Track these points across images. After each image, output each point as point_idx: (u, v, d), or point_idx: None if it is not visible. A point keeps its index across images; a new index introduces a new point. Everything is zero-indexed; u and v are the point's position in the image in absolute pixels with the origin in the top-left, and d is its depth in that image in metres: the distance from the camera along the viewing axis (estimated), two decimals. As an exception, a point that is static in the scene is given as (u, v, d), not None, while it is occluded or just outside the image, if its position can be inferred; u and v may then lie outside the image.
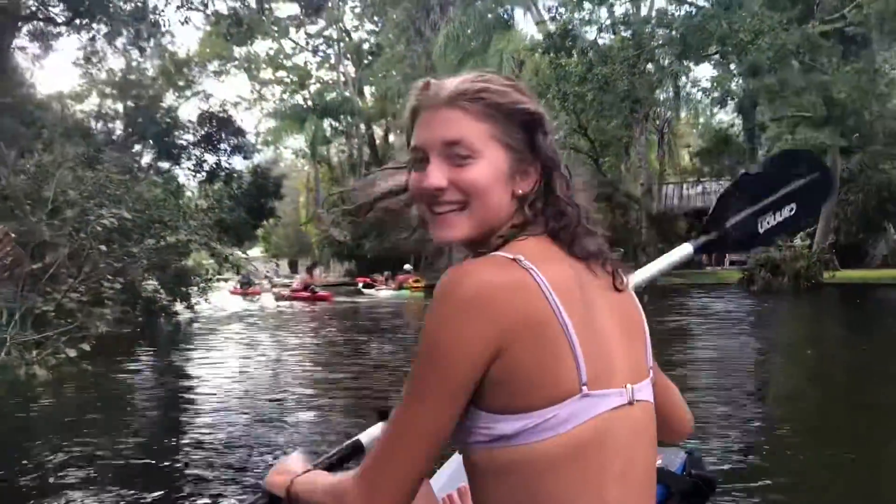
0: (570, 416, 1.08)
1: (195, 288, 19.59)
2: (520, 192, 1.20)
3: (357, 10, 52.47)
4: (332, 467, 1.47)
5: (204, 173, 42.72)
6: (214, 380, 10.57)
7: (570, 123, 30.39)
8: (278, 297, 30.25)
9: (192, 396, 9.56)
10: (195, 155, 43.03)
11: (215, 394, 9.48)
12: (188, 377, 11.37)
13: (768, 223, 1.79)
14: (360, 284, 36.17)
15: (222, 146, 43.69)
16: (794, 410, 7.81)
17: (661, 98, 38.02)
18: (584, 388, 1.08)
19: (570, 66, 25.36)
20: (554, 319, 1.07)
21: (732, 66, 20.55)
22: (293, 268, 64.75)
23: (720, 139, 36.76)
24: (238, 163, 45.27)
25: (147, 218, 15.58)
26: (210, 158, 43.33)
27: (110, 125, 41.14)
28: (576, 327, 1.09)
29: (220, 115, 44.29)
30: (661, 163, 42.63)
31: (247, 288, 33.01)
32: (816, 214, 2.01)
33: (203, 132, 43.29)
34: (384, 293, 30.85)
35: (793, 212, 1.79)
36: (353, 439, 1.54)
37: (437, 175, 1.18)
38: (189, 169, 42.88)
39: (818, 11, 25.07)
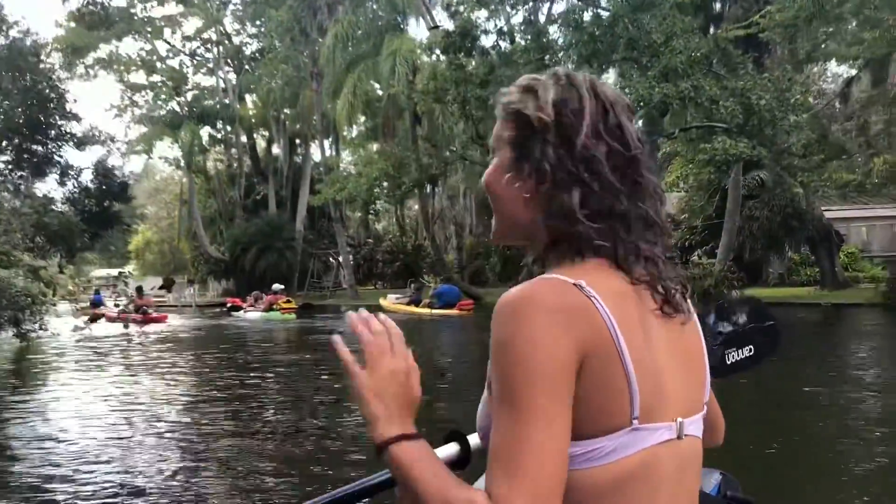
0: (617, 447, 1.05)
1: (33, 310, 16.24)
2: (525, 194, 1.16)
3: (239, 13, 49.27)
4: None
5: (26, 167, 35.85)
6: None
7: (467, 132, 28.58)
8: (111, 320, 27.08)
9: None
10: (13, 144, 36.12)
11: None
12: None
13: (733, 357, 1.80)
14: (228, 305, 33.22)
15: (51, 132, 36.44)
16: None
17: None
18: (635, 421, 1.06)
19: (471, 67, 23.44)
20: (614, 351, 1.04)
21: (648, 73, 19.04)
22: (169, 287, 60.49)
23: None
24: (78, 158, 38.36)
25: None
26: (38, 149, 36.16)
27: None
28: (634, 360, 1.05)
29: (46, 91, 37.16)
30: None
31: (95, 309, 29.21)
32: (768, 358, 1.82)
33: (24, 113, 35.73)
34: (252, 315, 28.11)
35: (751, 352, 1.82)
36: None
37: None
38: (4, 162, 36.20)
39: (725, 21, 24.31)
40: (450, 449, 1.37)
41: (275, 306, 27.46)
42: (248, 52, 49.54)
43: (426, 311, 25.38)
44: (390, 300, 28.69)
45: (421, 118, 32.75)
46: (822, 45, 23.17)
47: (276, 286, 29.12)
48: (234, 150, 51.03)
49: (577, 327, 1.02)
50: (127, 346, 18.46)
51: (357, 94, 33.28)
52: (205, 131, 49.11)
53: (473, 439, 1.35)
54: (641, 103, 18.54)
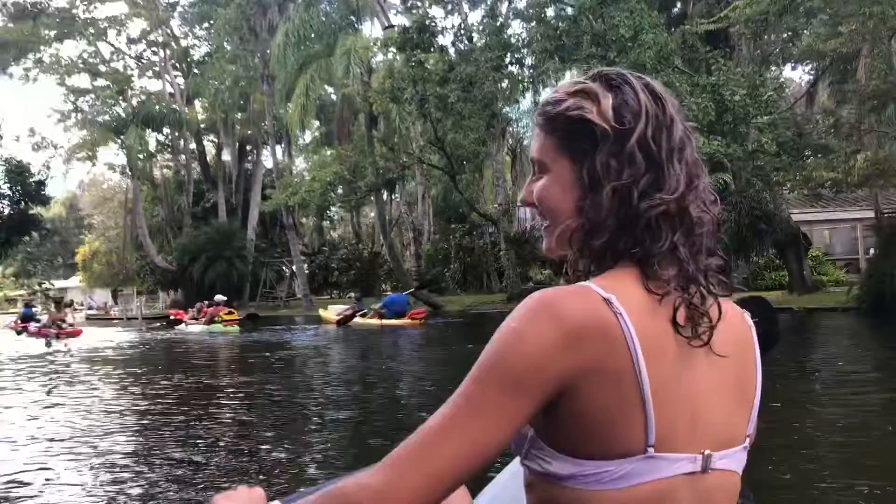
0: (627, 474, 1.01)
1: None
2: (581, 204, 1.10)
3: (187, 15, 47.52)
4: None
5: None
6: None
7: (426, 134, 27.43)
8: (31, 335, 25.59)
9: None
10: None
11: None
12: None
13: None
14: (170, 318, 31.75)
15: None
16: None
17: (519, 112, 36.09)
18: (650, 449, 1.01)
19: (430, 63, 22.30)
20: (631, 374, 0.99)
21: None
22: (115, 299, 58.26)
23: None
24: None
25: None
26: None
27: None
28: (654, 386, 1.00)
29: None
30: (514, 182, 40.76)
31: (27, 323, 27.40)
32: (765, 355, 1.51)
33: None
34: (193, 328, 26.57)
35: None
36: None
37: (525, 191, 1.20)
38: None
39: (690, 18, 23.55)
40: None
41: (216, 318, 25.92)
42: (196, 55, 47.99)
43: (375, 321, 24.26)
44: (332, 312, 27.43)
45: (377, 120, 31.48)
46: (791, 44, 22.58)
47: (219, 297, 27.57)
48: (182, 156, 49.16)
49: (587, 348, 0.98)
50: (42, 364, 16.80)
51: (310, 95, 31.92)
52: (152, 137, 47.37)
53: None
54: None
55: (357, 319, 25.29)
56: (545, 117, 1.14)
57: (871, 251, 29.73)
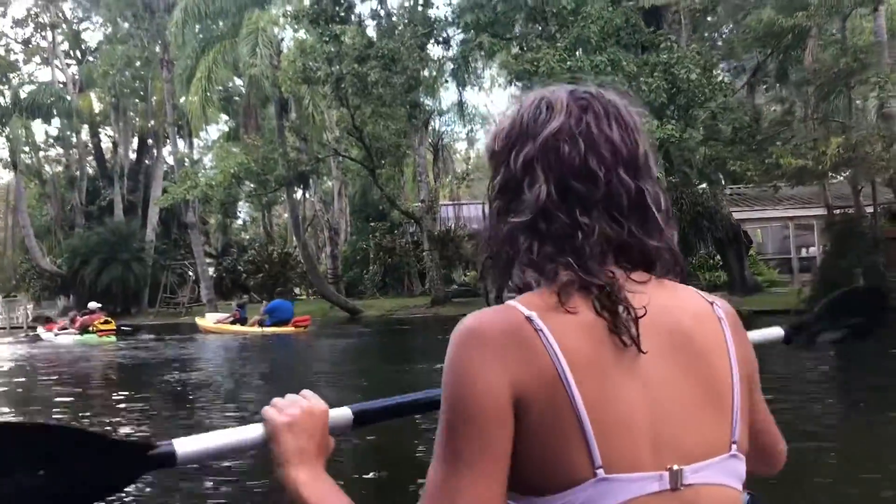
0: (586, 501, 0.97)
1: None
2: (511, 218, 1.10)
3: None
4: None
5: None
6: None
7: (342, 122, 24.88)
8: None
9: None
10: None
11: None
12: None
13: (827, 338, 1.98)
14: (37, 328, 28.55)
15: None
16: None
17: (441, 105, 34.00)
18: (600, 471, 0.97)
19: (347, 37, 19.69)
20: (561, 392, 0.97)
21: (557, 45, 16.05)
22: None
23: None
24: None
25: None
26: None
27: None
28: (590, 402, 0.97)
29: None
30: (436, 179, 38.58)
31: None
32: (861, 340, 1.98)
33: None
34: (63, 339, 23.39)
35: (844, 333, 2.00)
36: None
37: None
38: None
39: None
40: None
41: (90, 328, 22.91)
42: (92, 41, 44.16)
43: (256, 329, 22.24)
44: (209, 320, 25.13)
45: (288, 107, 28.65)
46: (734, 29, 21.09)
47: (93, 304, 24.51)
48: (74, 150, 45.08)
49: (514, 366, 0.98)
50: None
51: (212, 80, 28.88)
52: (40, 128, 43.37)
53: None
54: (550, 77, 15.51)
55: (238, 328, 23.34)
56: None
57: (819, 249, 28.90)
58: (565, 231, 1.05)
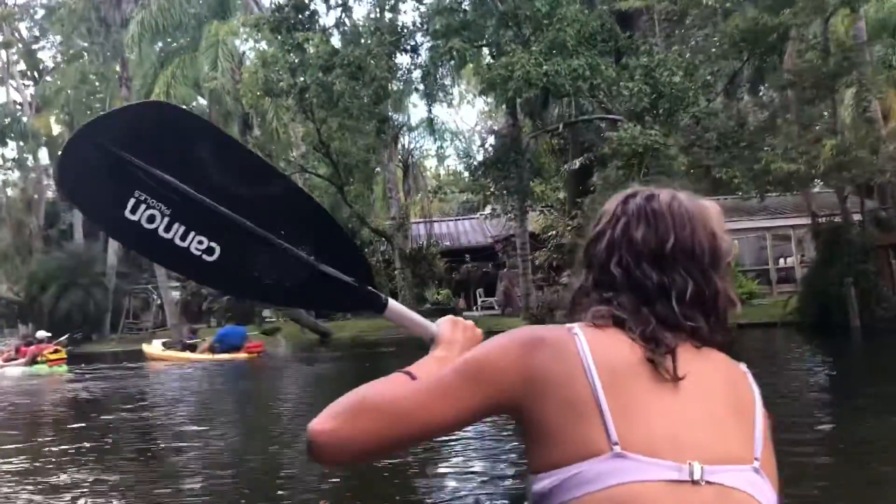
0: (600, 475, 1.05)
1: None
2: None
3: (34, 13, 42.11)
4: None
5: None
6: None
7: (308, 139, 23.84)
8: None
9: None
10: None
11: None
12: None
13: None
14: None
15: None
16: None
17: (410, 120, 33.10)
18: (616, 447, 1.06)
19: (311, 45, 18.65)
20: (582, 376, 1.11)
21: (532, 49, 15.22)
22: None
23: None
24: None
25: None
26: None
27: None
28: (610, 391, 1.09)
29: None
30: (406, 196, 37.59)
31: None
32: None
33: None
34: (11, 371, 21.95)
35: None
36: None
37: None
38: None
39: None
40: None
41: (39, 358, 21.63)
42: (49, 60, 42.69)
43: (206, 356, 21.57)
44: (156, 347, 24.17)
45: (251, 122, 27.54)
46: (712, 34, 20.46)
47: (41, 334, 23.25)
48: (31, 174, 43.48)
49: (539, 356, 1.14)
50: None
51: (172, 97, 27.73)
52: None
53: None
54: (527, 83, 14.69)
55: (188, 354, 22.58)
56: None
57: (797, 259, 28.40)
58: (601, 300, 1.24)
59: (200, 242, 1.41)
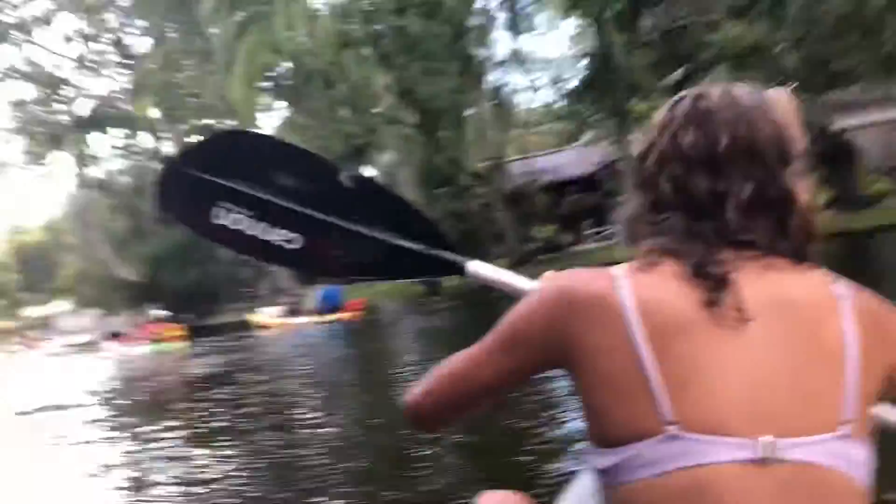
0: (658, 458, 0.96)
1: None
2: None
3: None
4: None
5: None
6: None
7: (392, 88, 23.29)
8: None
9: None
10: None
11: None
12: None
13: None
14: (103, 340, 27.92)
15: None
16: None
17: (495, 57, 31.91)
18: (671, 427, 0.95)
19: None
20: (625, 347, 0.99)
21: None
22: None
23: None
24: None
25: None
26: None
27: None
28: (661, 356, 0.97)
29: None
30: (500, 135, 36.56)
31: None
32: None
33: None
34: (137, 350, 22.49)
35: None
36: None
37: None
38: None
39: None
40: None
41: (162, 336, 22.40)
42: (137, 46, 43.65)
43: (312, 319, 22.00)
44: (265, 315, 24.51)
45: (333, 79, 27.21)
46: None
47: (157, 312, 24.05)
48: (139, 159, 45.04)
49: (571, 316, 1.04)
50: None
51: (255, 65, 27.63)
52: (101, 140, 43.48)
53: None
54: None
55: (292, 320, 23.17)
56: None
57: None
58: (653, 225, 1.11)
59: (281, 235, 1.68)
